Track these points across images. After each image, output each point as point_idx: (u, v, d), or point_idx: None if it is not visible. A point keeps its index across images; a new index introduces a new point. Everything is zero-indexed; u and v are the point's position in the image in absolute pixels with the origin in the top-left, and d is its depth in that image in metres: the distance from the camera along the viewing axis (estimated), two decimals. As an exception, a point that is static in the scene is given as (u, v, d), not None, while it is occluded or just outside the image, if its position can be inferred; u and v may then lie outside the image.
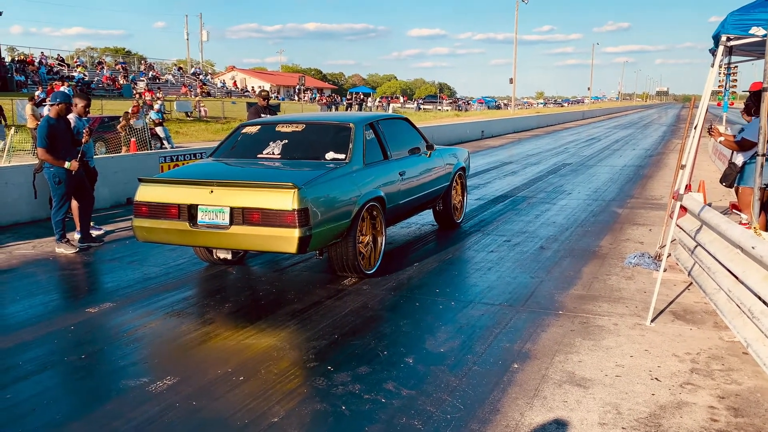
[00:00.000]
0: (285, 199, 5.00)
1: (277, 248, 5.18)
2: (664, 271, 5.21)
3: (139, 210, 5.54)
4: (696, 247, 5.51)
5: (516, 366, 4.01)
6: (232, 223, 5.18)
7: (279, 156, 6.16)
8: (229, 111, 36.75)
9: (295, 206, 4.97)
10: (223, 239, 5.25)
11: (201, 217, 5.28)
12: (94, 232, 7.69)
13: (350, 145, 6.02)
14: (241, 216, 5.14)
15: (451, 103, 75.57)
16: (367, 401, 3.55)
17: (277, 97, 59.64)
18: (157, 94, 34.72)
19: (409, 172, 6.75)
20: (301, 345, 4.36)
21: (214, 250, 6.04)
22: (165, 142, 18.76)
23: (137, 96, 34.21)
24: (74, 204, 7.30)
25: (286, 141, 6.28)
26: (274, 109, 10.17)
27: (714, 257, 4.86)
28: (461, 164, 8.32)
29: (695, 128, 6.19)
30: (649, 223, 8.57)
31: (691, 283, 5.67)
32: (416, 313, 4.99)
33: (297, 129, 6.43)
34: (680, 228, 6.07)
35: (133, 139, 14.30)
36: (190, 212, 5.31)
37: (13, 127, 17.39)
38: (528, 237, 7.69)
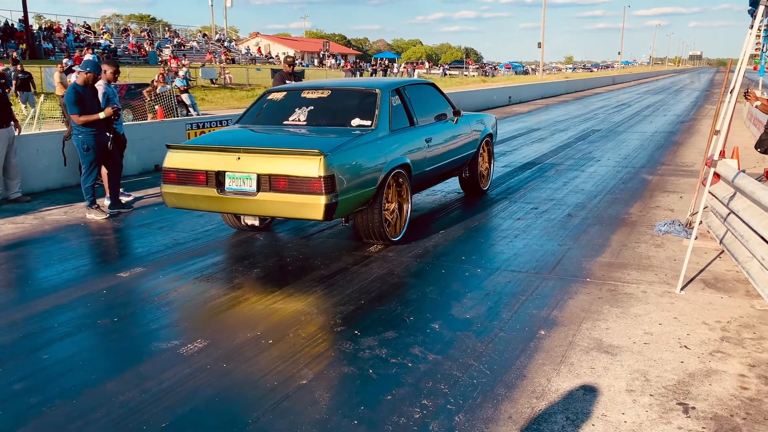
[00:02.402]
0: (311, 166, 5.00)
1: (303, 215, 5.20)
2: (695, 239, 5.12)
3: (167, 176, 5.60)
4: (729, 214, 5.40)
5: (542, 333, 4.00)
6: (259, 189, 5.20)
7: (305, 122, 6.13)
8: (254, 78, 36.70)
9: (321, 173, 4.96)
10: (250, 206, 5.29)
11: (228, 183, 5.31)
12: (124, 198, 7.80)
13: (376, 112, 5.96)
14: (268, 183, 5.15)
15: (477, 68, 74.44)
16: (393, 365, 3.58)
17: (301, 63, 59.34)
18: (183, 61, 34.76)
19: (435, 138, 6.68)
20: (328, 310, 4.41)
21: (242, 217, 6.08)
22: (191, 109, 18.83)
23: (162, 63, 34.32)
24: (104, 171, 7.40)
25: (312, 107, 6.24)
26: (299, 76, 10.13)
27: (748, 225, 4.76)
28: (488, 131, 8.22)
29: (731, 92, 6.02)
30: (680, 191, 8.41)
31: (723, 251, 5.58)
32: (442, 280, 4.99)
33: (323, 95, 6.40)
34: (713, 195, 5.95)
35: (159, 106, 14.37)
36: (217, 179, 5.34)
37: (42, 95, 17.59)
38: (555, 204, 7.61)
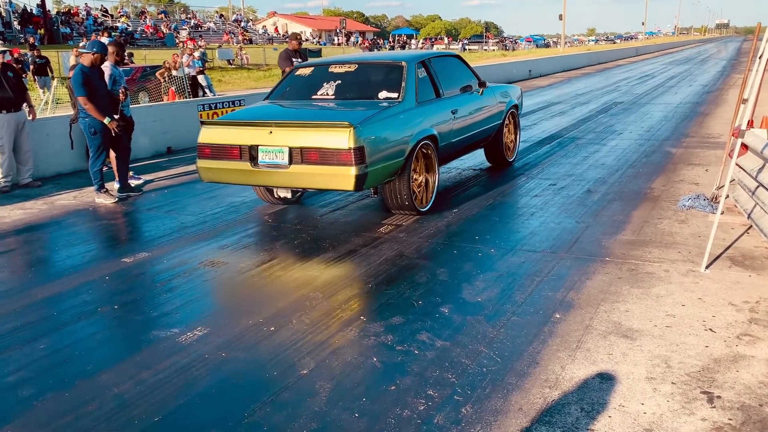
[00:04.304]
0: (341, 138, 5.10)
1: (334, 186, 5.32)
2: (722, 213, 4.85)
3: (202, 152, 5.75)
4: (758, 187, 5.10)
5: (558, 316, 3.80)
6: (291, 162, 5.32)
7: (333, 96, 6.21)
8: (271, 58, 36.39)
9: (352, 145, 5.07)
10: (283, 178, 5.42)
11: (261, 157, 5.44)
12: (134, 182, 7.70)
13: (403, 84, 6.01)
14: (300, 155, 5.28)
15: (497, 42, 73.31)
16: (399, 353, 3.41)
17: (318, 41, 58.88)
18: (199, 42, 34.62)
19: (461, 110, 6.68)
20: (333, 294, 4.24)
21: (274, 190, 6.15)
22: (207, 90, 18.71)
23: (181, 45, 34.22)
24: (112, 154, 7.29)
25: (340, 81, 6.32)
26: (305, 54, 9.89)
27: (778, 198, 4.48)
28: (514, 102, 8.16)
29: (759, 58, 5.68)
30: (705, 163, 8.07)
31: (751, 226, 5.29)
32: (454, 261, 4.80)
33: (350, 69, 6.46)
34: (740, 167, 5.64)
35: (171, 88, 14.25)
36: (251, 153, 5.48)
37: (56, 79, 17.58)
38: (575, 180, 7.34)
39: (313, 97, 6.28)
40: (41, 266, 5.13)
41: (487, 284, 4.33)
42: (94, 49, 6.93)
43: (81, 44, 26.16)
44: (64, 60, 24.32)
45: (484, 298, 4.11)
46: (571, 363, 3.25)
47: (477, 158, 8.75)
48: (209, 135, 5.72)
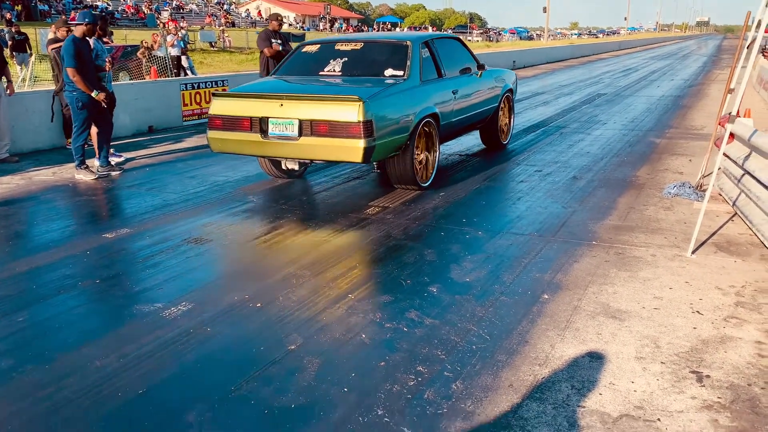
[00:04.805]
0: (351, 112, 5.26)
1: (342, 158, 5.51)
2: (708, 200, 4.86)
3: (213, 123, 5.90)
4: (743, 175, 5.14)
5: (546, 297, 3.79)
6: (300, 134, 5.47)
7: (340, 73, 6.35)
8: (254, 41, 35.97)
9: (361, 118, 5.23)
10: (293, 150, 5.57)
11: (272, 129, 5.58)
12: (114, 159, 7.55)
13: (408, 63, 6.18)
14: (310, 128, 5.43)
15: (481, 33, 73.28)
16: (388, 330, 3.37)
17: (302, 27, 58.37)
18: (181, 24, 34.10)
19: (461, 90, 6.86)
20: (321, 273, 4.19)
21: (283, 161, 6.25)
22: (189, 71, 18.43)
23: (161, 26, 33.69)
24: (93, 130, 7.14)
25: (346, 59, 6.46)
26: (286, 36, 9.73)
27: (764, 185, 4.51)
28: (509, 86, 8.34)
29: (748, 48, 5.71)
30: (689, 154, 8.13)
31: (735, 213, 5.34)
32: (441, 243, 4.77)
33: (356, 47, 6.61)
34: (726, 156, 5.68)
35: (153, 67, 14.01)
36: (261, 125, 5.62)
37: (33, 55, 17.20)
38: (560, 167, 7.35)
39: (321, 73, 6.42)
40: (19, 240, 5.00)
41: (475, 265, 4.31)
42: (86, 20, 6.77)
43: (62, 18, 25.62)
44: (42, 37, 23.77)
45: (472, 278, 4.08)
46: (560, 342, 3.24)
47: (463, 144, 8.72)
48: (220, 107, 5.85)
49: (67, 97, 6.83)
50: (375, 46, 6.69)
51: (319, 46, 6.89)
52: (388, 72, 6.16)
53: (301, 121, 5.43)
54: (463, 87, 6.93)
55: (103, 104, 6.80)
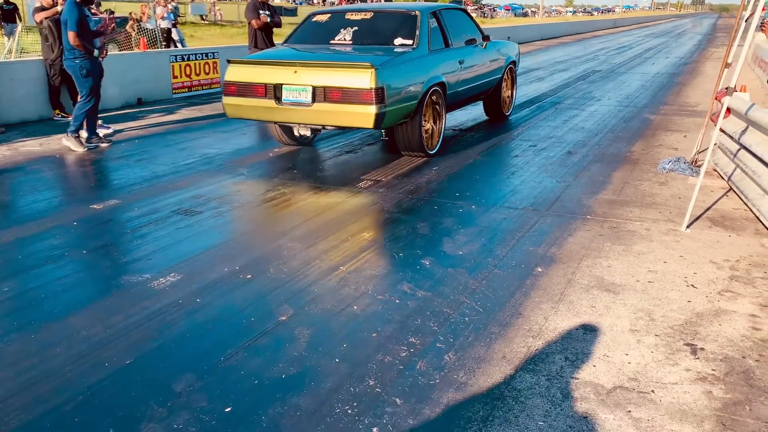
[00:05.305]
0: (363, 78, 5.42)
1: (354, 123, 5.66)
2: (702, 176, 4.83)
3: (228, 89, 6.03)
4: (739, 150, 5.10)
5: (540, 270, 3.75)
6: (314, 101, 5.63)
7: (350, 42, 6.50)
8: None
9: (373, 85, 5.39)
10: (306, 115, 5.73)
11: (285, 95, 5.74)
12: (103, 131, 7.41)
13: (417, 32, 6.33)
14: (323, 94, 5.58)
15: (476, 9, 72.49)
16: (380, 302, 3.33)
17: (294, 1, 57.59)
18: (171, -4, 33.50)
19: (467, 61, 7.01)
20: (313, 245, 4.13)
21: (295, 128, 6.29)
22: (179, 44, 18.13)
23: (151, -2, 33.13)
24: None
25: (356, 28, 6.60)
26: (273, 8, 9.54)
27: (761, 160, 4.48)
28: (512, 58, 8.47)
29: (746, 21, 5.64)
30: (683, 130, 8.08)
31: (730, 189, 5.31)
32: (434, 216, 4.71)
33: (365, 17, 6.75)
34: (722, 131, 5.63)
35: (142, 38, 13.77)
36: (275, 91, 5.77)
37: (20, 24, 16.86)
38: (555, 142, 7.28)
39: (331, 42, 6.57)
40: (5, 210, 4.92)
41: (468, 238, 4.26)
42: None
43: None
44: (29, 7, 23.32)
45: (465, 251, 4.04)
46: (554, 314, 3.21)
47: (457, 119, 8.64)
48: (236, 73, 5.98)
49: (68, 67, 6.69)
50: (385, 16, 6.83)
51: (329, 15, 7.00)
52: (398, 41, 6.29)
53: (314, 88, 5.58)
54: (469, 57, 7.06)
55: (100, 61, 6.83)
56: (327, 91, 5.55)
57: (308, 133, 6.40)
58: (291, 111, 5.75)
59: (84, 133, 6.99)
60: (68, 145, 6.71)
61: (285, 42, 6.93)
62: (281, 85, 5.73)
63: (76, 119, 6.74)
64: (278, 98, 5.76)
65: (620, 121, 8.62)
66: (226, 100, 6.06)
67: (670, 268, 3.78)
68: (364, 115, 5.47)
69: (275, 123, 6.34)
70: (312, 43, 6.66)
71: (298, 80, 5.66)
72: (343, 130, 7.32)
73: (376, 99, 5.41)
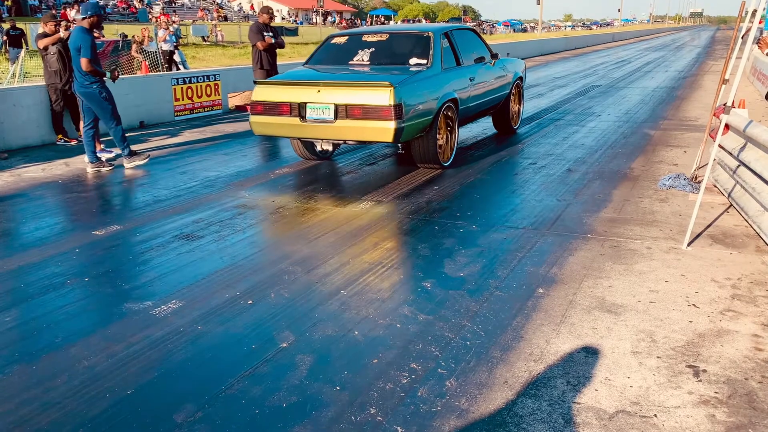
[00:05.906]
0: (383, 96, 5.81)
1: (375, 138, 6.04)
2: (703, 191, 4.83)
3: (255, 108, 6.43)
4: (738, 166, 5.11)
5: (541, 291, 3.75)
6: (336, 118, 6.01)
7: (368, 62, 6.91)
8: (247, 35, 35.85)
9: (392, 102, 5.78)
10: (329, 132, 6.12)
11: (309, 113, 6.12)
12: (105, 155, 7.48)
13: (430, 52, 6.73)
14: (345, 111, 5.97)
15: (475, 26, 73.05)
16: (381, 326, 3.33)
17: (295, 20, 58.08)
18: (173, 18, 33.86)
19: (477, 78, 7.43)
20: (313, 269, 4.14)
21: (318, 143, 6.79)
22: (181, 66, 18.27)
23: (154, 21, 33.45)
24: (82, 126, 7.06)
25: (373, 49, 7.02)
26: (276, 30, 9.67)
27: (760, 176, 4.48)
28: (519, 74, 8.87)
29: (741, 38, 5.67)
30: (683, 145, 8.10)
31: (730, 205, 5.31)
32: (435, 237, 4.72)
33: (381, 39, 7.19)
34: (721, 147, 5.64)
35: (144, 61, 13.89)
36: (300, 110, 6.15)
37: (23, 50, 17.02)
38: (555, 159, 7.30)
39: (350, 62, 6.96)
40: (7, 238, 4.93)
41: (469, 259, 4.26)
42: (89, 12, 6.71)
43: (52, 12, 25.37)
44: (32, 32, 23.58)
45: (466, 273, 4.04)
46: (555, 337, 3.20)
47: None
48: (262, 94, 6.38)
49: (85, 94, 6.78)
50: (400, 37, 7.30)
51: (347, 37, 7.42)
52: (413, 61, 6.69)
53: (336, 106, 5.96)
54: (479, 74, 7.48)
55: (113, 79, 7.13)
56: (349, 109, 5.93)
57: (330, 147, 6.91)
58: (315, 128, 6.12)
59: (85, 158, 7.03)
60: (130, 166, 7.05)
61: (306, 63, 7.27)
62: (305, 103, 6.10)
63: (120, 143, 7.03)
64: (302, 116, 6.13)
65: (620, 137, 8.64)
66: (253, 118, 6.41)
67: (671, 288, 3.78)
68: (384, 130, 5.83)
69: (299, 139, 6.68)
70: (332, 64, 7.02)
71: (322, 99, 6.03)
72: (354, 146, 7.82)
73: (395, 115, 5.79)
